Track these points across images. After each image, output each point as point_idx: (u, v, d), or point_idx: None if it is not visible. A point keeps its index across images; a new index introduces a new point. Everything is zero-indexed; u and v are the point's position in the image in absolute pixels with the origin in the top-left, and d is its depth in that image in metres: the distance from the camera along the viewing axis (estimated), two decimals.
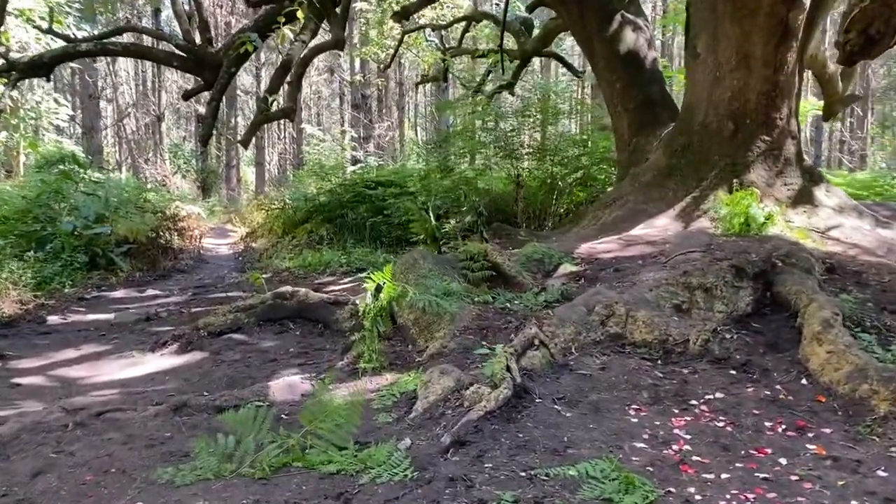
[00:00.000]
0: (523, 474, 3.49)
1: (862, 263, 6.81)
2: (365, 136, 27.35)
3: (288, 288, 7.17)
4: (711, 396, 4.54)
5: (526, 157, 13.97)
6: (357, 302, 6.00)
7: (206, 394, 5.21)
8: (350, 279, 10.24)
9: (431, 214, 10.53)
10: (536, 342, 5.03)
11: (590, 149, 14.05)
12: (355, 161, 22.48)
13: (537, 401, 4.36)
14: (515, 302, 6.28)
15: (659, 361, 5.13)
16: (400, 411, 4.50)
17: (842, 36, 7.02)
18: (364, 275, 6.44)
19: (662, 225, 8.25)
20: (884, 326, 5.22)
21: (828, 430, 4.06)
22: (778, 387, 4.67)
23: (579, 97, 24.98)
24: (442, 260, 6.84)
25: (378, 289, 5.14)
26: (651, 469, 3.60)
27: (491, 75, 16.55)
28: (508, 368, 4.52)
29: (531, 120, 13.58)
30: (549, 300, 6.23)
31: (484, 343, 5.33)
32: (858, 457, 3.70)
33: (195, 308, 9.06)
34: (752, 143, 8.63)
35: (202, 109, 22.79)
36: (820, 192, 8.56)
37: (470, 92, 16.16)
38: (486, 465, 3.59)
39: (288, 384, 5.07)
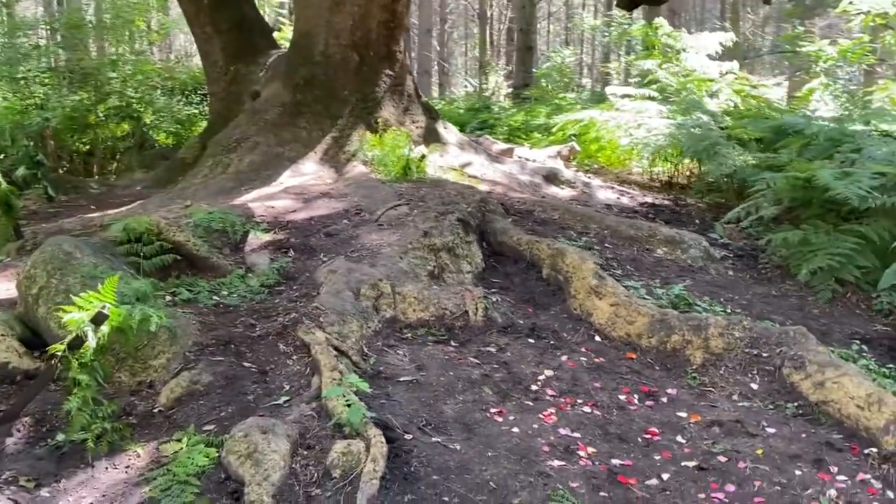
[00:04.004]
0: None
1: (521, 201, 7.09)
2: None
3: None
4: (542, 376, 4.10)
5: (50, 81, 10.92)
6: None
7: None
8: None
9: None
10: (333, 352, 3.82)
11: (131, 71, 11.66)
12: None
13: (406, 437, 3.29)
14: (225, 293, 4.74)
15: (453, 343, 4.45)
16: None
17: None
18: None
19: (313, 172, 7.29)
20: (620, 268, 5.46)
21: (672, 391, 4.03)
22: (583, 350, 4.47)
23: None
24: (94, 246, 4.72)
25: (100, 317, 3.15)
26: (598, 489, 3.04)
27: None
28: (348, 403, 3.30)
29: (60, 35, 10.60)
30: (267, 283, 4.88)
31: (250, 366, 3.85)
32: (735, 416, 3.72)
33: None
34: (378, 77, 8.19)
35: None
36: (441, 129, 8.66)
37: None
38: None
39: None
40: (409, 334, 4.49)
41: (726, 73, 12.01)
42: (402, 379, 3.88)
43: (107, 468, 3.15)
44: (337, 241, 5.42)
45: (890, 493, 3.05)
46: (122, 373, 3.83)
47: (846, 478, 3.17)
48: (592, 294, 4.77)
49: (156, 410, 3.58)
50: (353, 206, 6.06)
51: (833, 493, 3.05)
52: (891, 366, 4.19)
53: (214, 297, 4.65)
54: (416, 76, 9.33)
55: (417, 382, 3.87)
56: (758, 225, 6.91)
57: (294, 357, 3.92)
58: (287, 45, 9.37)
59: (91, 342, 3.18)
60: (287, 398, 3.54)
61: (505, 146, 10.12)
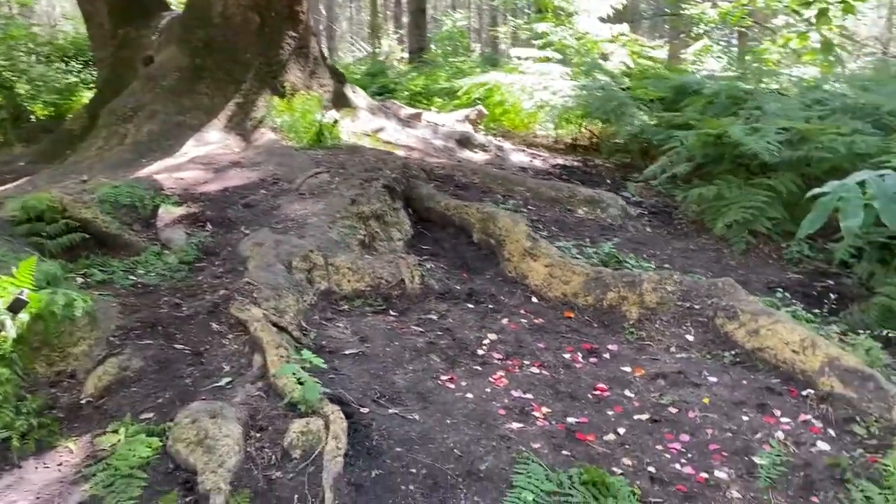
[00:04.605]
0: None
1: (439, 166, 6.99)
2: None
3: None
4: (487, 340, 4.06)
5: None
6: None
7: None
8: None
9: None
10: (273, 328, 3.63)
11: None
12: None
13: (362, 410, 3.18)
14: (142, 272, 4.41)
15: (392, 312, 4.34)
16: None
17: None
18: None
19: (219, 140, 6.90)
20: (546, 229, 5.47)
21: (613, 347, 4.08)
22: (523, 312, 4.47)
23: None
24: None
25: (18, 304, 2.80)
26: (560, 448, 3.05)
27: None
28: (299, 380, 3.15)
29: None
30: (186, 260, 4.58)
31: (183, 348, 3.60)
32: (677, 368, 3.81)
33: None
34: (282, 39, 7.82)
35: None
36: (350, 93, 8.39)
37: None
38: None
39: None
40: (346, 306, 4.34)
41: (618, 35, 12.29)
42: (347, 352, 3.74)
43: (37, 468, 2.86)
44: (257, 212, 5.16)
45: (831, 431, 3.20)
46: (37, 363, 3.48)
47: (789, 420, 3.31)
48: (527, 256, 4.76)
49: (83, 401, 3.28)
50: (269, 176, 5.78)
51: (780, 435, 3.18)
52: (816, 311, 4.41)
53: (131, 277, 4.32)
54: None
55: (364, 355, 3.74)
56: (668, 182, 7.12)
57: (230, 336, 3.69)
58: (180, 7, 8.79)
59: (10, 332, 2.86)
60: (229, 379, 3.33)
61: (413, 111, 9.95)
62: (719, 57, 14.78)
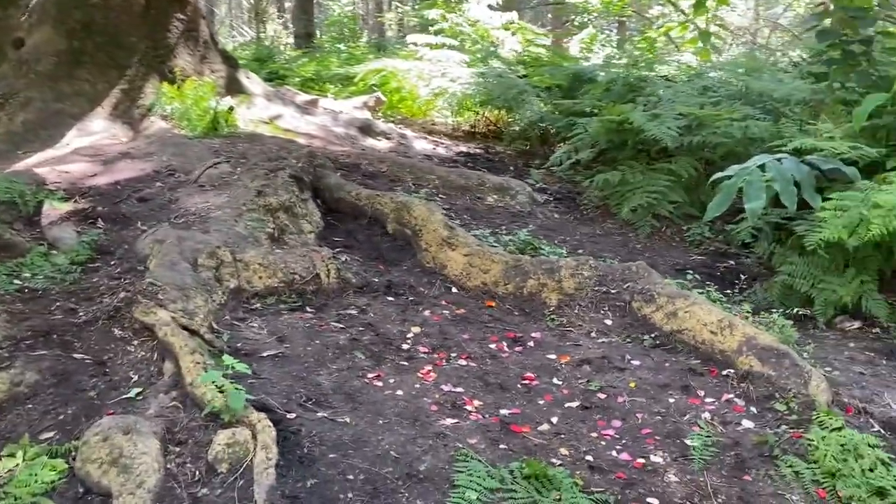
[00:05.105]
0: None
1: (344, 155, 6.79)
2: None
3: None
4: (410, 333, 3.96)
5: None
6: None
7: None
8: None
9: None
10: (184, 332, 3.37)
11: None
12: None
13: (289, 416, 3.00)
14: (29, 275, 4.00)
15: (309, 309, 4.15)
16: None
17: None
18: None
19: (104, 130, 6.41)
20: (458, 217, 5.40)
21: (536, 335, 4.07)
22: (444, 303, 4.39)
23: None
24: None
25: None
26: (497, 442, 3.00)
27: None
28: (220, 388, 2.94)
29: None
30: (78, 260, 4.21)
31: (83, 358, 3.29)
32: (600, 353, 3.84)
33: None
34: (169, 21, 7.35)
35: None
36: (244, 79, 8.01)
37: None
38: None
39: None
40: (259, 304, 4.12)
41: (508, 23, 12.40)
42: (265, 354, 3.54)
43: None
44: (153, 206, 4.81)
45: (753, 409, 3.31)
46: None
47: (713, 399, 3.40)
48: (445, 246, 4.68)
49: None
50: (163, 167, 5.41)
51: (707, 415, 3.25)
52: (729, 292, 4.57)
53: (16, 282, 3.92)
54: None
55: (283, 356, 3.55)
56: (568, 169, 7.22)
57: (135, 342, 3.41)
58: None
59: None
60: (139, 390, 3.07)
61: (309, 97, 9.62)
62: (604, 45, 15.19)
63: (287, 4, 25.48)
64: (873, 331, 4.41)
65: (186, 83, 6.87)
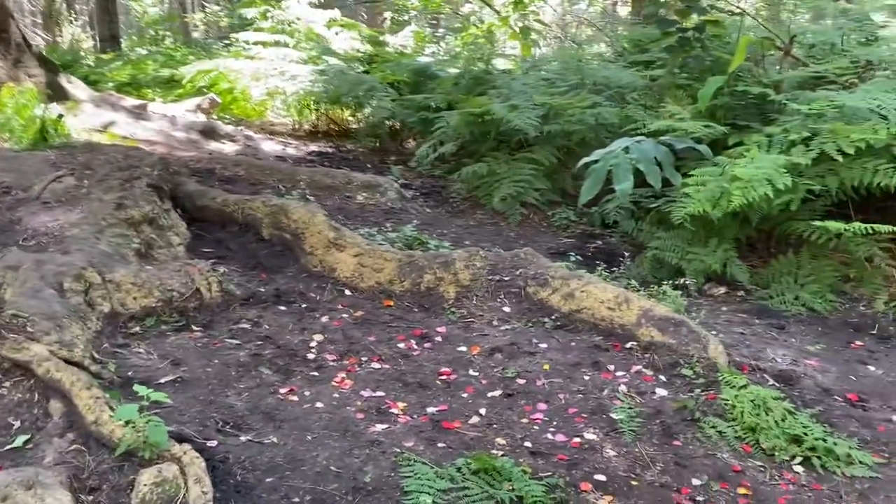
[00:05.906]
0: None
1: (193, 160, 6.36)
2: None
3: None
4: (314, 342, 3.78)
5: None
6: None
7: None
8: None
9: None
10: (70, 367, 2.98)
11: None
12: None
13: (209, 444, 2.74)
14: None
15: (196, 327, 3.83)
16: None
17: None
18: None
19: None
20: (332, 217, 5.21)
21: (441, 329, 4.02)
22: (340, 307, 4.22)
23: None
24: None
25: None
26: (433, 441, 2.93)
27: None
28: (128, 423, 2.62)
29: None
30: None
31: None
32: (507, 340, 3.86)
33: None
34: None
35: None
36: (67, 84, 7.28)
37: None
38: None
39: None
40: (138, 327, 3.73)
41: (331, 21, 12.25)
42: (162, 380, 3.22)
43: None
44: None
45: (662, 377, 3.47)
46: None
47: (624, 372, 3.52)
48: (332, 247, 4.50)
49: None
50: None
51: (623, 388, 3.37)
52: (614, 269, 4.77)
53: None
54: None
55: (183, 380, 3.25)
56: (431, 163, 7.24)
57: (6, 385, 2.96)
58: None
59: None
60: (26, 437, 2.67)
61: (137, 102, 8.91)
62: (430, 42, 15.42)
63: (77, 6, 23.52)
64: (738, 293, 4.80)
65: (3, 90, 6.10)
